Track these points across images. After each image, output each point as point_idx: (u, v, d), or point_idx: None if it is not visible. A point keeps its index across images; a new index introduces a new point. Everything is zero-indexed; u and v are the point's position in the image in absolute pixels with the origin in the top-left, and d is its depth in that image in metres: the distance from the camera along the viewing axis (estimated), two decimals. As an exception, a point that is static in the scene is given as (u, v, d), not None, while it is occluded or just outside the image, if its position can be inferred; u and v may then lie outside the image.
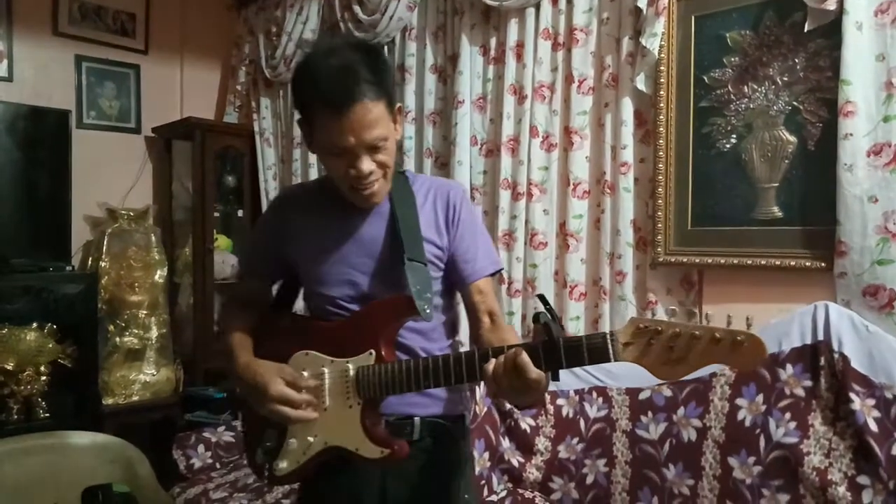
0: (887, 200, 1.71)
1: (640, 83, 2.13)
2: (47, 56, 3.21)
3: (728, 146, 2.02)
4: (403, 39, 2.85)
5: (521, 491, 2.06)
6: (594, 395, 2.10)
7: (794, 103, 1.90)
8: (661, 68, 2.10)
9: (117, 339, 3.11)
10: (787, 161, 1.92)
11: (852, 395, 1.68)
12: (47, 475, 2.06)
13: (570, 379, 2.12)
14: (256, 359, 1.27)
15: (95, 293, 2.99)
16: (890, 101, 1.71)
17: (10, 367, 2.71)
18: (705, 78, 2.06)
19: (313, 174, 3.23)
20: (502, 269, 1.45)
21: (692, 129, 2.08)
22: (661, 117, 2.11)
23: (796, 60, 1.89)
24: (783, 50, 1.91)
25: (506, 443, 2.15)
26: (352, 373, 1.19)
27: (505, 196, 2.44)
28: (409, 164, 2.77)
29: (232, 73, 3.69)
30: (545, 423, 2.15)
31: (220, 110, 3.79)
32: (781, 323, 1.84)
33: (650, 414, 1.99)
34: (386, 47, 2.90)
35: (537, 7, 2.38)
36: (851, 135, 1.74)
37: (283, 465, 1.25)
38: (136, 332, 3.15)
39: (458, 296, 1.36)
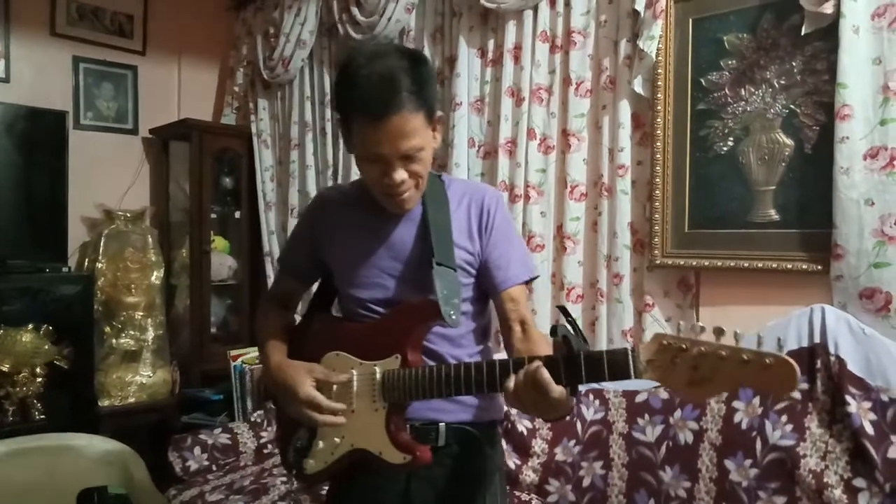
0: (884, 204, 1.71)
1: (638, 86, 2.13)
2: (45, 57, 3.20)
3: (725, 149, 2.02)
4: (401, 41, 2.85)
5: (517, 493, 2.06)
6: (591, 397, 2.10)
7: (791, 106, 1.90)
8: (659, 71, 2.10)
9: (113, 340, 3.11)
10: (784, 164, 1.92)
11: (848, 398, 1.68)
12: (43, 477, 2.05)
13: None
14: (288, 360, 1.29)
15: (92, 294, 2.99)
16: (886, 105, 1.71)
17: (5, 368, 2.71)
18: (703, 81, 2.06)
19: (310, 176, 3.23)
20: (537, 276, 1.42)
21: (689, 131, 2.08)
22: (659, 120, 2.11)
23: (793, 64, 1.90)
24: (780, 53, 1.92)
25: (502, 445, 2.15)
26: (378, 376, 1.20)
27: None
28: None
29: (230, 74, 3.69)
30: (542, 425, 2.15)
31: (218, 111, 3.79)
32: (778, 325, 1.84)
33: (647, 416, 1.99)
34: (377, 40, 2.89)
35: (535, 9, 2.38)
36: (848, 138, 1.74)
37: (311, 463, 1.27)
38: (133, 333, 3.14)
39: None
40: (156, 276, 3.25)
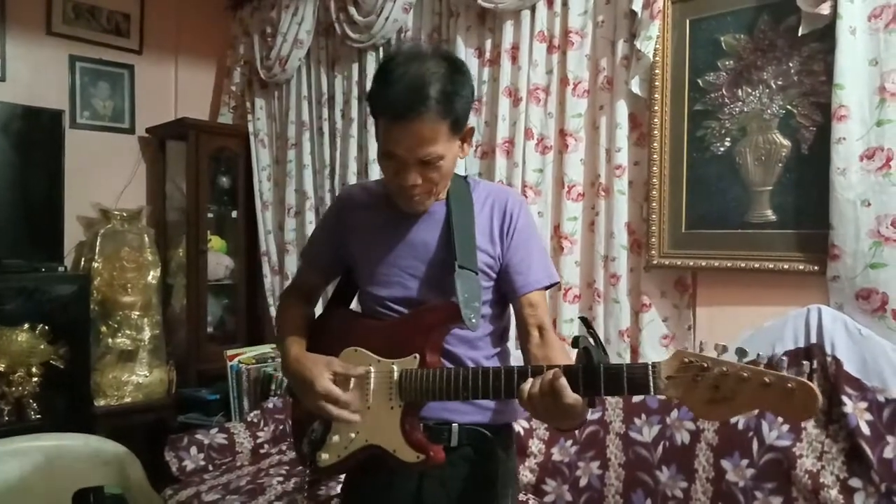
0: (880, 204, 1.72)
1: (635, 86, 2.13)
2: (41, 56, 3.19)
3: (722, 149, 2.03)
4: (399, 41, 2.85)
5: (514, 493, 2.05)
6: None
7: (788, 107, 1.91)
8: (656, 71, 2.10)
9: (110, 340, 3.10)
10: (780, 164, 1.92)
11: (845, 398, 1.68)
12: (38, 477, 2.05)
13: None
14: (307, 353, 1.29)
15: (88, 294, 2.98)
16: (883, 106, 1.71)
17: (1, 368, 2.71)
18: (700, 81, 2.06)
19: (307, 175, 3.23)
20: (558, 282, 1.42)
21: (686, 132, 2.09)
22: (656, 120, 2.11)
23: (790, 64, 1.90)
24: (777, 54, 1.92)
25: (500, 445, 2.15)
26: (395, 375, 1.20)
27: (500, 198, 2.43)
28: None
29: (227, 73, 3.69)
30: (539, 425, 2.15)
31: (215, 111, 3.78)
32: (774, 326, 1.84)
33: (643, 416, 1.99)
34: (381, 49, 2.90)
35: (532, 9, 2.38)
36: (844, 139, 1.74)
37: (324, 456, 1.28)
38: (129, 333, 3.14)
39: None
40: (152, 276, 3.25)
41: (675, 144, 2.10)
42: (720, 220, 2.03)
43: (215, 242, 3.46)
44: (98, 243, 3.15)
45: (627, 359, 2.17)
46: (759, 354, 0.89)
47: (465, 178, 1.36)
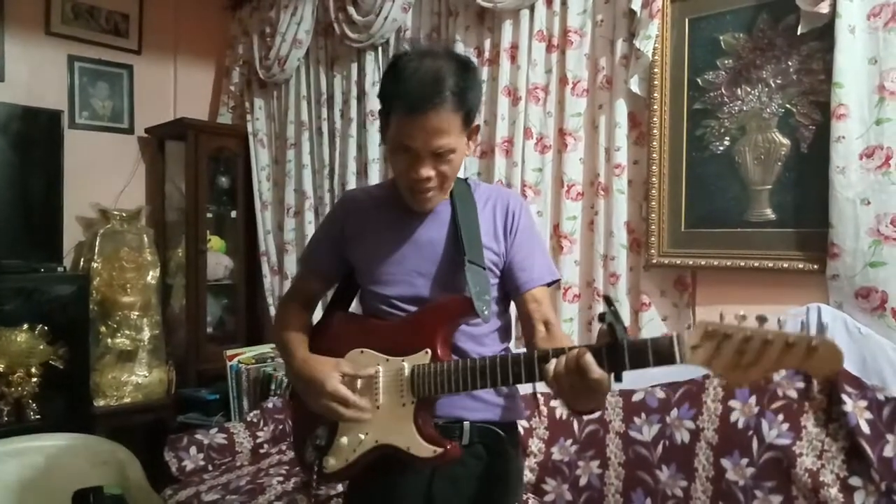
0: (880, 203, 1.72)
1: (634, 85, 2.13)
2: (40, 56, 3.19)
3: (721, 148, 2.03)
4: (397, 41, 2.85)
5: (514, 493, 2.05)
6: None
7: (788, 106, 1.91)
8: (655, 70, 2.11)
9: (109, 340, 3.10)
10: (780, 163, 1.92)
11: (844, 397, 1.68)
12: (38, 478, 2.05)
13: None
14: (314, 355, 1.30)
15: (87, 294, 2.98)
16: (882, 104, 1.71)
17: (0, 368, 2.70)
18: (699, 80, 2.06)
19: (307, 175, 3.23)
20: (559, 279, 1.44)
21: (686, 131, 2.09)
22: (655, 119, 2.11)
23: (789, 63, 1.90)
24: (776, 53, 1.92)
25: (499, 444, 2.15)
26: (407, 371, 1.20)
27: (499, 197, 2.43)
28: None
29: (226, 73, 3.69)
30: (538, 424, 2.15)
31: (214, 111, 3.78)
32: (774, 324, 1.84)
33: (643, 416, 1.99)
34: (380, 48, 2.90)
35: (531, 9, 2.38)
36: (844, 137, 1.74)
37: (332, 461, 1.26)
38: (128, 333, 3.13)
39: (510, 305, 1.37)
40: (151, 276, 3.24)
41: (674, 143, 2.10)
42: (719, 219, 2.03)
43: (214, 242, 3.46)
44: (97, 243, 3.15)
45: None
46: (779, 319, 0.92)
47: (466, 180, 1.38)
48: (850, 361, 1.70)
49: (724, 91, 2.02)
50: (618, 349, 0.99)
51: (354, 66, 3.02)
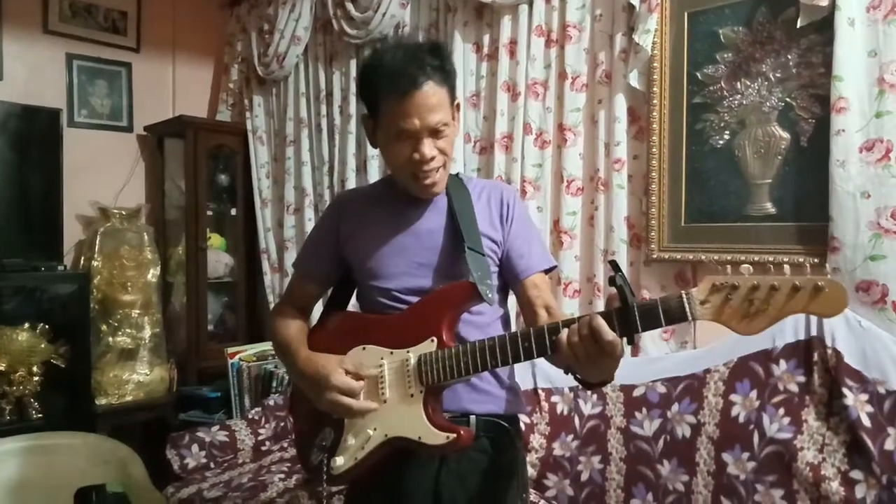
0: (880, 196, 1.71)
1: (634, 80, 2.13)
2: (38, 54, 3.18)
3: (721, 142, 2.02)
4: (396, 36, 2.84)
5: (516, 488, 2.06)
6: (588, 391, 2.10)
7: (787, 99, 1.90)
8: (655, 65, 2.10)
9: (110, 338, 3.10)
10: (780, 157, 1.92)
11: (845, 391, 1.68)
12: (40, 476, 2.05)
13: (565, 376, 2.12)
14: (317, 353, 1.29)
15: (88, 293, 2.98)
16: (882, 97, 1.71)
17: (2, 367, 2.71)
18: (698, 74, 2.06)
19: (306, 172, 3.22)
20: (556, 266, 1.46)
21: (685, 125, 2.08)
22: (655, 114, 2.11)
23: (789, 57, 1.90)
24: (776, 46, 1.92)
25: (501, 440, 2.15)
26: (412, 361, 1.19)
27: (499, 193, 2.43)
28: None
29: (224, 70, 3.68)
30: (540, 420, 2.15)
31: (213, 108, 3.78)
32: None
33: (644, 410, 1.99)
34: (378, 45, 2.89)
35: (530, 4, 2.37)
36: (844, 131, 1.74)
37: (340, 461, 1.24)
38: (129, 331, 3.13)
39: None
40: (152, 274, 3.24)
41: (674, 138, 2.10)
42: (720, 214, 2.02)
43: (215, 240, 3.46)
44: (97, 242, 3.15)
45: (628, 352, 2.16)
46: (784, 266, 0.94)
47: (457, 175, 1.39)
48: (851, 355, 1.71)
49: (723, 85, 2.02)
50: (629, 312, 0.99)
51: (353, 63, 3.01)
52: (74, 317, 2.90)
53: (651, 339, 2.13)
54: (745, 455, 1.78)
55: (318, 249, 1.44)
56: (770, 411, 1.78)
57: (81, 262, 3.20)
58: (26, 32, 3.15)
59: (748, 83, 1.97)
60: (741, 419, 1.82)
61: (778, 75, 1.92)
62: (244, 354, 3.02)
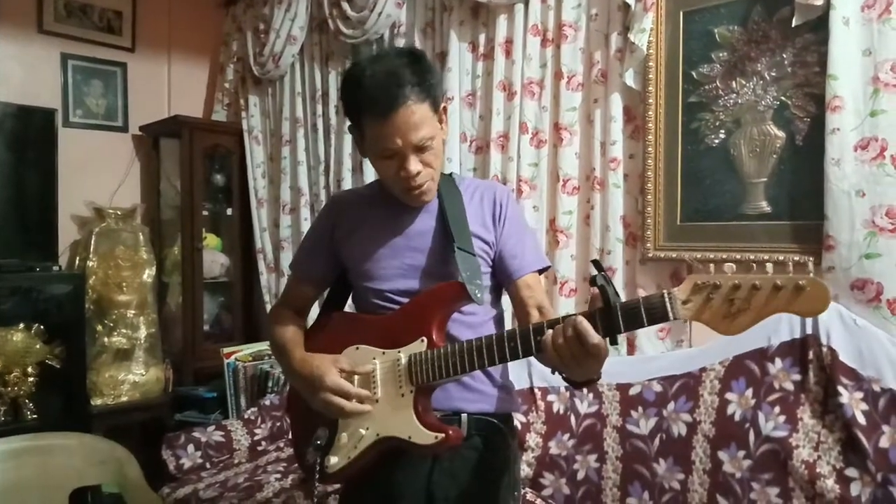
0: (874, 195, 1.72)
1: (629, 79, 2.13)
2: (33, 54, 3.17)
3: (717, 141, 2.02)
4: (392, 36, 2.84)
5: (512, 487, 2.06)
6: (584, 390, 2.10)
7: (782, 98, 1.91)
8: (650, 64, 2.10)
9: (105, 339, 3.09)
10: (775, 156, 1.92)
11: (840, 389, 1.69)
12: (35, 477, 2.04)
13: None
14: (311, 353, 1.30)
15: (83, 293, 2.97)
16: (877, 96, 1.71)
17: (-4, 368, 2.69)
18: (694, 73, 2.06)
19: (302, 172, 3.22)
20: (549, 266, 1.46)
21: (681, 124, 2.08)
22: (650, 113, 2.11)
23: (784, 56, 1.90)
24: (771, 45, 1.92)
25: (497, 439, 2.15)
26: (403, 361, 1.20)
27: (495, 193, 2.43)
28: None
29: (220, 70, 3.67)
30: (536, 419, 2.15)
31: (209, 108, 3.77)
32: (770, 317, 1.84)
33: (640, 409, 1.99)
34: (374, 44, 2.89)
35: (526, 3, 2.38)
36: (839, 129, 1.74)
37: (334, 460, 1.26)
38: (125, 331, 3.12)
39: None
40: (147, 274, 3.23)
41: (669, 137, 2.10)
42: (715, 213, 2.03)
43: (210, 240, 3.45)
44: (93, 242, 3.13)
45: (624, 351, 2.17)
46: (766, 265, 0.93)
47: (450, 174, 1.39)
48: (846, 353, 1.71)
49: (718, 84, 2.02)
50: (611, 312, 0.99)
51: (349, 63, 3.01)
52: (70, 317, 2.89)
53: (647, 338, 2.13)
54: (741, 453, 1.78)
55: (313, 251, 1.44)
56: (765, 409, 1.78)
57: (77, 262, 3.19)
58: (21, 32, 3.14)
59: (743, 82, 1.97)
60: (737, 417, 1.82)
61: (773, 74, 1.92)
62: (240, 354, 3.02)
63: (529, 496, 2.01)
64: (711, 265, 0.98)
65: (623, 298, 2.17)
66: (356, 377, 1.24)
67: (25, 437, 2.17)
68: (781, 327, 1.81)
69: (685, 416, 1.91)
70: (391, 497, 1.27)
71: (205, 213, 3.41)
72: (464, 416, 1.27)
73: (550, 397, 2.17)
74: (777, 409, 1.77)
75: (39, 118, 2.99)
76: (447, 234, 1.27)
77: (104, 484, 2.33)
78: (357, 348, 1.27)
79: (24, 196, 2.95)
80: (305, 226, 3.16)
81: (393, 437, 1.20)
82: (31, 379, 2.77)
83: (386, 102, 1.16)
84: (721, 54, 2.01)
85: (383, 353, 1.24)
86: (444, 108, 1.29)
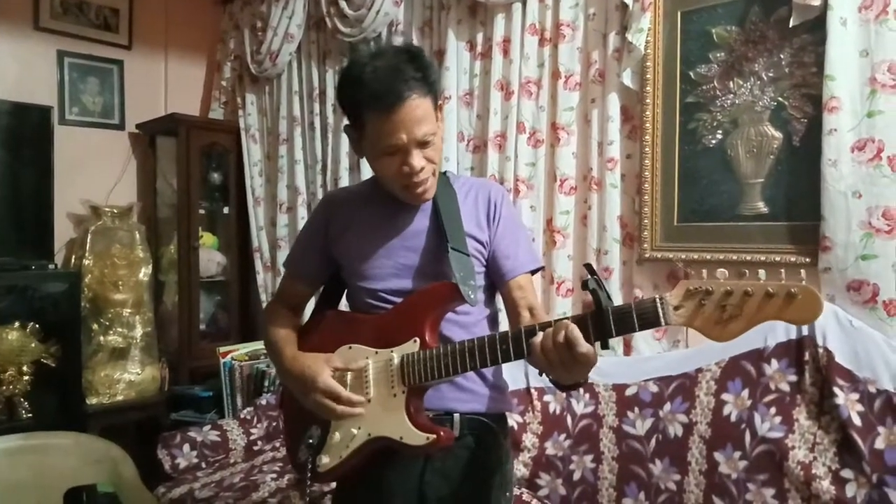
0: (871, 196, 1.72)
1: (627, 79, 2.13)
2: (28, 51, 3.16)
3: (714, 142, 2.02)
4: (389, 35, 2.83)
5: (508, 487, 2.05)
6: (581, 391, 2.10)
7: (780, 99, 1.91)
8: (648, 64, 2.10)
9: (101, 337, 3.08)
10: (772, 157, 1.92)
11: (836, 390, 1.69)
12: (30, 476, 2.03)
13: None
14: (303, 352, 1.30)
15: (79, 291, 2.96)
16: (874, 97, 1.71)
17: (-8, 366, 2.68)
18: (691, 73, 2.06)
19: (299, 171, 3.22)
20: (543, 267, 1.47)
21: (678, 124, 2.08)
22: (648, 113, 2.11)
23: (781, 56, 1.90)
24: (768, 45, 1.92)
25: (493, 439, 2.15)
26: (396, 361, 1.20)
27: (492, 192, 2.43)
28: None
29: (217, 68, 3.66)
30: (532, 419, 2.15)
31: (206, 106, 3.76)
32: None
33: (637, 410, 1.99)
34: (372, 43, 2.88)
35: (524, 2, 2.37)
36: (836, 130, 1.74)
37: (325, 459, 1.25)
38: (121, 330, 3.12)
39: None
40: (143, 273, 3.23)
41: (666, 137, 2.10)
42: (712, 213, 2.03)
43: (207, 239, 3.45)
44: (89, 240, 3.13)
45: (621, 351, 2.17)
46: (759, 272, 0.93)
47: (444, 173, 1.38)
48: (842, 354, 1.71)
49: (716, 84, 2.02)
50: (603, 316, 0.99)
51: (347, 61, 3.00)
52: (65, 316, 2.88)
53: (643, 339, 2.13)
54: (737, 454, 1.78)
55: (307, 250, 1.44)
56: (762, 410, 1.78)
57: (72, 260, 3.18)
58: (17, 29, 3.13)
59: (741, 82, 1.97)
60: (733, 418, 1.82)
61: (770, 75, 1.92)
62: (236, 354, 3.01)
63: (525, 496, 2.01)
64: (703, 269, 0.97)
65: (620, 298, 2.19)
66: (349, 374, 1.24)
67: (20, 437, 2.16)
68: (778, 328, 1.81)
69: (681, 417, 1.91)
70: (384, 496, 1.27)
71: (201, 211, 3.40)
72: (456, 415, 1.27)
73: (547, 397, 2.16)
74: (773, 410, 1.77)
75: (35, 116, 2.98)
76: (441, 233, 1.27)
77: (99, 483, 2.32)
78: (350, 347, 1.27)
79: (20, 194, 2.94)
80: (302, 224, 3.15)
81: (384, 437, 1.20)
82: (26, 378, 2.76)
83: (390, 97, 1.15)
84: (718, 54, 2.01)
85: (376, 352, 1.24)
86: (441, 106, 1.29)
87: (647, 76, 2.10)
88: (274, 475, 2.28)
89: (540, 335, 1.04)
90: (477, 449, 1.28)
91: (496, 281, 1.33)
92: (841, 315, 1.74)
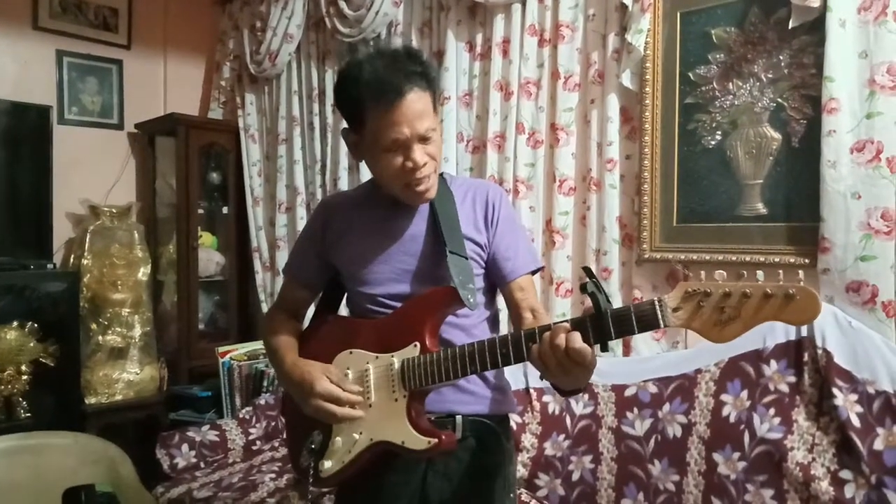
0: (870, 197, 1.72)
1: (626, 80, 2.13)
2: (27, 51, 3.16)
3: (713, 143, 2.03)
4: (389, 35, 2.83)
5: (507, 488, 2.05)
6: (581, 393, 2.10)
7: (779, 100, 1.91)
8: (647, 65, 2.10)
9: (100, 337, 3.08)
10: (771, 158, 1.92)
11: (835, 391, 1.69)
12: (28, 476, 2.04)
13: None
14: (303, 358, 1.29)
15: (77, 291, 2.96)
16: (873, 98, 1.71)
17: (-10, 366, 2.68)
18: (691, 74, 2.06)
19: (298, 171, 3.21)
20: (543, 267, 1.47)
21: (677, 125, 2.08)
22: (647, 114, 2.11)
23: (781, 57, 1.90)
24: (768, 47, 1.92)
25: (492, 440, 2.15)
26: (396, 366, 1.20)
27: (491, 193, 2.43)
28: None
29: (216, 68, 3.66)
30: (531, 420, 2.15)
31: (205, 106, 3.76)
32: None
33: (636, 410, 1.99)
34: (371, 43, 2.89)
35: (523, 3, 2.37)
36: (835, 131, 1.74)
37: (328, 465, 1.25)
38: (120, 330, 3.12)
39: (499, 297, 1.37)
40: (142, 273, 3.22)
41: (666, 138, 2.10)
42: (711, 214, 2.03)
43: (206, 239, 3.45)
44: (87, 240, 3.13)
45: (620, 352, 2.17)
46: (757, 273, 0.93)
47: (441, 174, 1.37)
48: (842, 355, 1.71)
49: (715, 85, 2.02)
50: (602, 319, 0.99)
51: (343, 63, 2.99)
52: (64, 315, 2.88)
53: (642, 339, 2.13)
54: (736, 455, 1.78)
55: (305, 256, 1.43)
56: (761, 411, 1.79)
57: (71, 260, 3.18)
58: (16, 29, 3.13)
59: (740, 84, 1.97)
60: (732, 419, 1.82)
61: (770, 76, 1.92)
62: (235, 353, 3.01)
63: (524, 497, 2.01)
64: (702, 270, 0.97)
65: (619, 299, 2.19)
66: (349, 375, 1.23)
67: (19, 436, 2.17)
68: (777, 329, 1.81)
69: (680, 418, 1.91)
70: (386, 499, 1.27)
71: (200, 211, 3.40)
72: (458, 417, 1.26)
73: (546, 398, 2.16)
74: (772, 411, 1.77)
75: (34, 115, 2.98)
76: (439, 237, 1.26)
77: (98, 483, 2.32)
78: (351, 352, 1.27)
79: (19, 193, 2.94)
80: (301, 225, 3.16)
81: (386, 441, 1.20)
82: (24, 377, 2.76)
83: (392, 91, 1.15)
84: (718, 56, 2.01)
85: (376, 357, 1.23)
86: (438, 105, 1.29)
87: (647, 77, 2.10)
88: (273, 475, 2.28)
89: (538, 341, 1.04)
90: (479, 451, 1.28)
91: (497, 282, 1.33)
92: (840, 316, 1.74)
